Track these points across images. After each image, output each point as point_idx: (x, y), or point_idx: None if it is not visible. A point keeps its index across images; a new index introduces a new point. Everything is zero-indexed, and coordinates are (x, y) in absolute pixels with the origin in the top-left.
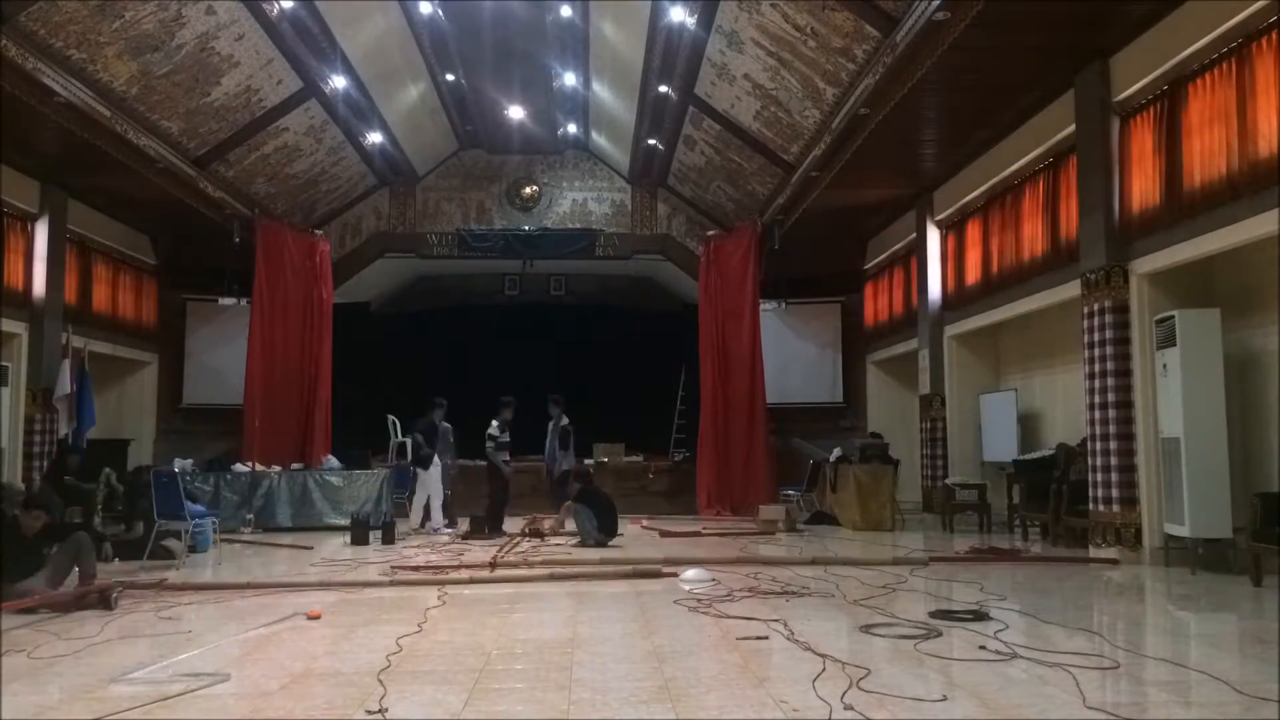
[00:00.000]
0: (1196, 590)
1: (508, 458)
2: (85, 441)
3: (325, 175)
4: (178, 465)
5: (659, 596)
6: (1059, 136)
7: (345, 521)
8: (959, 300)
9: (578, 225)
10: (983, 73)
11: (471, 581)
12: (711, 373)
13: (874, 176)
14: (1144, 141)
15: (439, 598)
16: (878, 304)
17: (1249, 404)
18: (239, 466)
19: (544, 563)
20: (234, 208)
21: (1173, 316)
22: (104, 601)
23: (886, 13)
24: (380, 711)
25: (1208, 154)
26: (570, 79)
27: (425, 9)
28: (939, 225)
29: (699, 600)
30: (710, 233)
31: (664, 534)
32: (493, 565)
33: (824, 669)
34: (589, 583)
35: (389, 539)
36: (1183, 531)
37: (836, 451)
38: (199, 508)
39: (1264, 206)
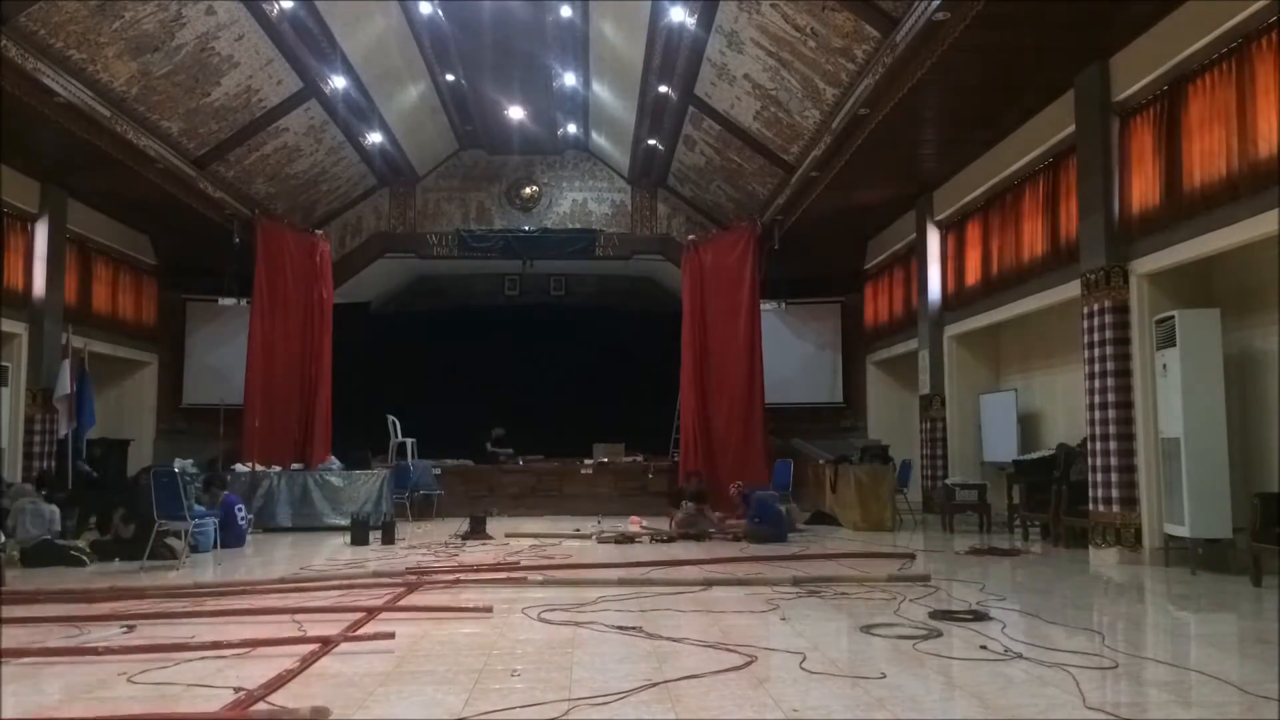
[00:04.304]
0: (1196, 590)
1: None
2: (85, 442)
3: (325, 175)
4: (177, 465)
5: (658, 597)
6: (1059, 136)
7: (345, 521)
8: (959, 300)
9: (578, 225)
10: (983, 73)
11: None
12: (692, 377)
13: (874, 176)
14: (1144, 141)
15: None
16: (878, 304)
17: (1249, 404)
18: (239, 466)
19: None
20: (234, 208)
21: (1173, 316)
22: None
23: (886, 13)
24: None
25: (1208, 154)
26: (570, 79)
27: (425, 9)
28: (939, 225)
29: (698, 599)
30: (690, 237)
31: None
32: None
33: (824, 669)
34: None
35: (389, 539)
36: (1183, 531)
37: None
38: (200, 508)
39: (1264, 206)
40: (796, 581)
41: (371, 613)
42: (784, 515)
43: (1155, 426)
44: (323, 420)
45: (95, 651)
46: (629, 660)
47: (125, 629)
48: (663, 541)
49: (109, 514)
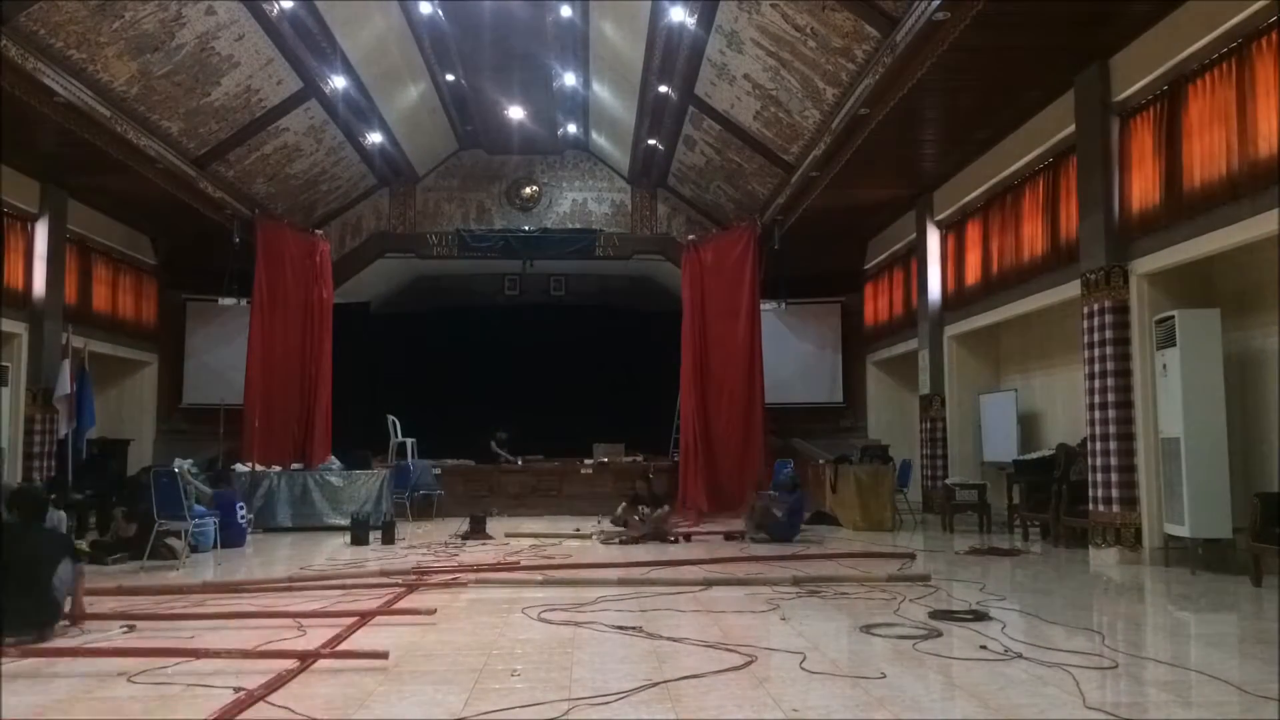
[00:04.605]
0: (1196, 590)
1: None
2: (85, 442)
3: (325, 175)
4: (177, 465)
5: (658, 597)
6: (1059, 136)
7: (345, 521)
8: (959, 300)
9: (578, 225)
10: (983, 73)
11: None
12: (692, 377)
13: (874, 176)
14: (1144, 141)
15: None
16: (878, 304)
17: (1249, 404)
18: (239, 466)
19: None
20: (234, 208)
21: (1173, 316)
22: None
23: (886, 13)
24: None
25: (1208, 154)
26: (570, 79)
27: (425, 9)
28: (939, 225)
29: (698, 599)
30: (690, 237)
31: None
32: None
33: (824, 669)
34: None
35: (389, 539)
36: (1183, 531)
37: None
38: (200, 508)
39: (1264, 206)
40: (796, 581)
41: (366, 616)
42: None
43: (1155, 426)
44: (323, 420)
45: (103, 653)
46: (629, 660)
47: (126, 629)
48: (629, 543)
49: (109, 514)
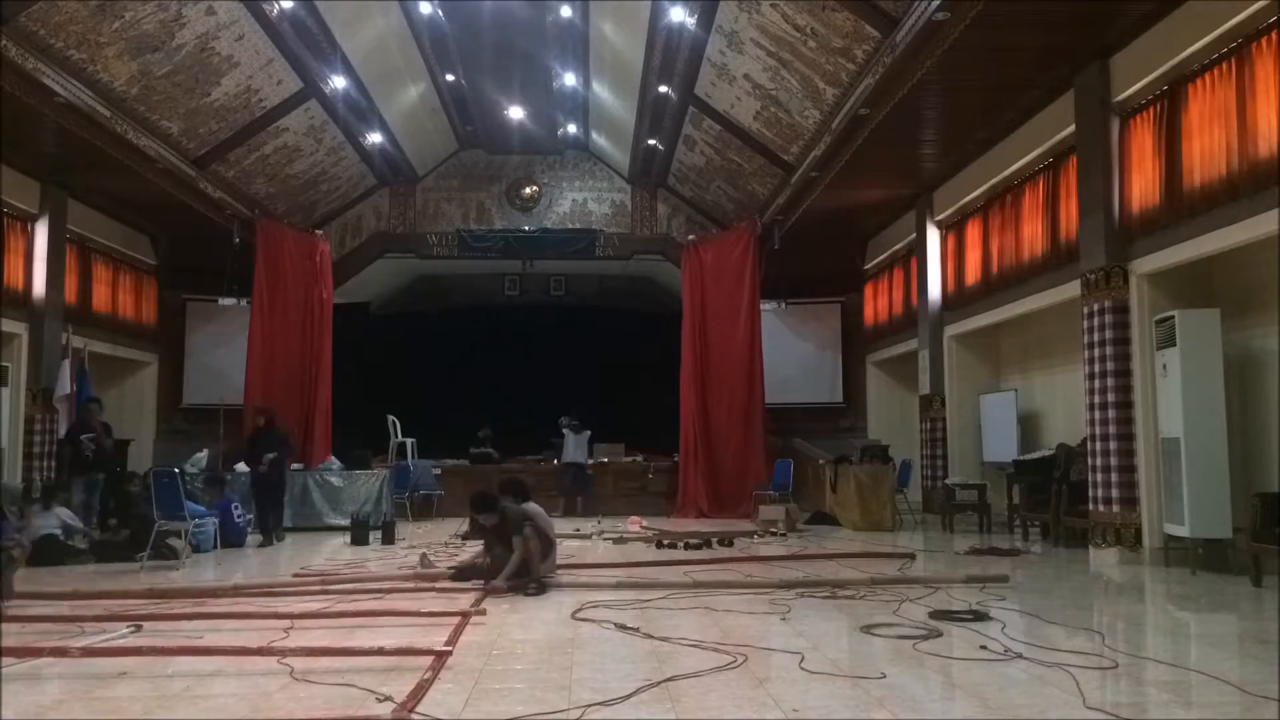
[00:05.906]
0: (1196, 590)
1: None
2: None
3: (325, 175)
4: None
5: (658, 597)
6: (1059, 136)
7: (345, 521)
8: (959, 300)
9: (578, 225)
10: (983, 73)
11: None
12: (692, 377)
13: (874, 176)
14: (1144, 141)
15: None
16: (878, 304)
17: (1249, 404)
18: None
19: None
20: (234, 208)
21: (1173, 316)
22: None
23: (886, 13)
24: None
25: (1208, 154)
26: (570, 79)
27: (425, 9)
28: (939, 225)
29: (698, 599)
30: (690, 237)
31: (662, 538)
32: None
33: (824, 669)
34: (591, 583)
35: (389, 539)
36: (1183, 531)
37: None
38: (200, 507)
39: (1264, 206)
40: (796, 582)
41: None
42: None
43: (1155, 426)
44: (323, 420)
45: (105, 652)
46: (629, 660)
47: (132, 629)
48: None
49: (104, 516)
